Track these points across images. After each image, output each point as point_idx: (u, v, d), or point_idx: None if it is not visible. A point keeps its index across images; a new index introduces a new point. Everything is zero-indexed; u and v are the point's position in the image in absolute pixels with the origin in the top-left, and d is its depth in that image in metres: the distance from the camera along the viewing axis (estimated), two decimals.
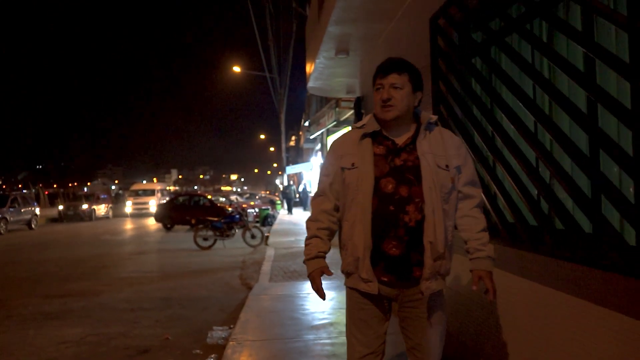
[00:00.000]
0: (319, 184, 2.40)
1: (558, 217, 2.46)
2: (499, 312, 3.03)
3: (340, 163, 2.26)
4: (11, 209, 20.66)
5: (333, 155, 2.34)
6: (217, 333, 5.24)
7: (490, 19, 3.17)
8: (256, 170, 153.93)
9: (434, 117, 2.27)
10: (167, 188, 38.57)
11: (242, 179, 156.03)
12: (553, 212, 2.54)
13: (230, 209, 19.74)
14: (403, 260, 2.14)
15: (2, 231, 19.44)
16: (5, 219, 19.93)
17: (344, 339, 4.48)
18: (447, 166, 2.17)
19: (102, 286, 8.34)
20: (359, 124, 2.32)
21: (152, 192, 35.41)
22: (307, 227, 2.38)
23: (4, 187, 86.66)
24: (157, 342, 5.16)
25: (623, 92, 2.19)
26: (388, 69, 2.18)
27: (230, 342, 4.54)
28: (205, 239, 13.36)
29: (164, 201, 26.87)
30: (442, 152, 2.19)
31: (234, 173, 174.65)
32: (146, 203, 33.46)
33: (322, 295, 2.30)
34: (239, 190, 75.81)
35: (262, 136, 71.49)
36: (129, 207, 33.71)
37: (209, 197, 23.99)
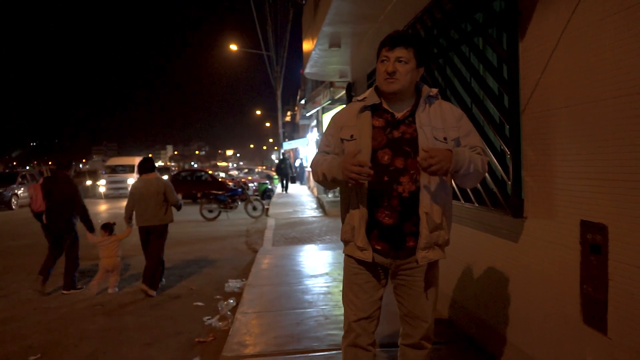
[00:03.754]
0: (320, 150, 2.43)
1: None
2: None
3: (340, 134, 2.31)
4: (20, 186, 21.60)
5: (334, 127, 2.37)
6: (233, 283, 6.35)
7: (437, 39, 4.15)
8: (252, 146, 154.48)
9: (434, 90, 2.29)
10: None
11: (238, 155, 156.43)
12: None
13: (231, 183, 20.80)
14: (396, 229, 2.19)
15: (14, 206, 20.42)
16: (16, 194, 20.89)
17: (337, 284, 5.61)
18: (445, 139, 2.18)
19: (125, 251, 9.43)
20: (360, 96, 2.35)
21: (131, 169, 27.67)
22: (313, 168, 2.33)
23: None
24: (184, 291, 6.27)
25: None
26: (395, 42, 2.16)
27: (246, 287, 5.67)
28: (210, 211, 14.43)
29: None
30: (440, 125, 2.20)
31: (229, 149, 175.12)
32: (123, 181, 26.25)
33: (368, 171, 2.04)
34: (234, 165, 76.88)
35: (258, 112, 71.58)
36: (102, 186, 26.49)
37: (210, 172, 25.00)
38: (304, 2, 10.95)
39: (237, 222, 13.66)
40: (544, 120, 2.62)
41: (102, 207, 21.42)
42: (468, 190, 3.54)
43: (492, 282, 3.31)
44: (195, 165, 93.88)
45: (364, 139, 2.21)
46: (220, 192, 15.05)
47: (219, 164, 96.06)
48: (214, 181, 21.82)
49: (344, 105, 2.96)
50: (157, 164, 35.41)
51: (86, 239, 6.61)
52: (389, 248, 2.22)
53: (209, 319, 4.98)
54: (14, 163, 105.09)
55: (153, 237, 6.28)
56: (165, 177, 28.90)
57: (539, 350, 2.75)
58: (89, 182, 28.70)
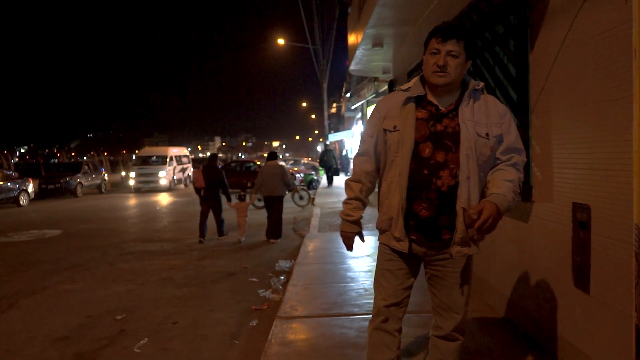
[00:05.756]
0: (362, 143, 2.42)
1: None
2: None
3: (383, 125, 2.28)
4: (85, 175, 23.16)
5: (377, 116, 2.35)
6: (283, 263, 7.05)
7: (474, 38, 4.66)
8: (297, 137, 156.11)
9: (481, 84, 2.25)
10: (184, 154, 28.71)
11: (284, 146, 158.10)
12: None
13: None
14: (432, 222, 2.19)
15: (78, 194, 21.97)
16: (81, 183, 22.45)
17: None
18: (487, 134, 2.16)
19: (184, 235, 10.34)
20: (405, 86, 2.32)
21: (162, 160, 25.17)
22: (349, 187, 2.43)
23: (58, 155, 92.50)
24: (239, 269, 7.01)
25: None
26: (448, 34, 2.12)
27: (295, 266, 6.35)
28: (260, 200, 15.22)
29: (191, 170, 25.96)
30: (484, 120, 2.18)
31: (275, 140, 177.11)
32: (154, 174, 24.17)
33: (351, 249, 2.53)
34: (280, 157, 78.11)
35: (304, 104, 72.26)
36: (132, 179, 24.36)
37: (258, 163, 25.91)
38: (349, 1, 11.50)
39: (285, 210, 14.30)
40: (546, 119, 3.13)
41: (132, 201, 19.78)
42: None
43: (506, 256, 3.83)
44: (243, 157, 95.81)
45: (407, 131, 2.19)
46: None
47: (264, 155, 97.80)
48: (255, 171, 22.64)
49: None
50: (206, 155, 35.56)
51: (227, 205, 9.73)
52: (423, 238, 2.24)
53: (263, 291, 5.68)
54: (73, 153, 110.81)
55: (274, 204, 9.13)
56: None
57: (545, 312, 3.27)
58: (123, 174, 27.90)
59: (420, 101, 2.25)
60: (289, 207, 15.07)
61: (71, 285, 6.31)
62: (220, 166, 28.56)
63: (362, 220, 2.48)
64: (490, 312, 4.11)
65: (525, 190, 3.40)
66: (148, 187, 24.18)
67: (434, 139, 2.18)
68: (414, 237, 2.25)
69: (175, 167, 25.77)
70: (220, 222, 9.76)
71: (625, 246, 2.36)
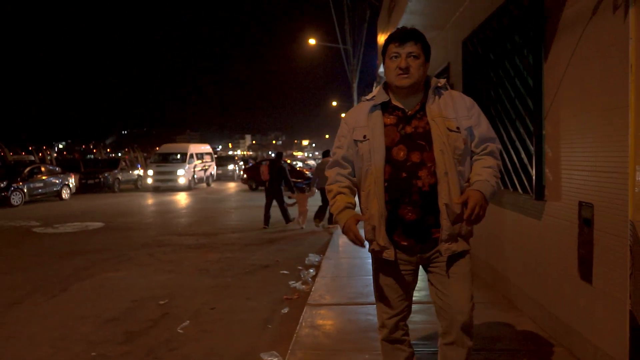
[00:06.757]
0: (332, 155, 2.45)
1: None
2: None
3: (353, 136, 2.30)
4: (122, 170, 24.02)
5: (346, 128, 2.37)
6: (312, 257, 7.41)
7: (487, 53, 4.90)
8: (327, 136, 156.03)
9: (442, 81, 2.30)
10: (206, 151, 27.28)
11: (314, 145, 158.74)
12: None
13: (308, 172, 22.03)
14: (420, 224, 2.18)
15: (116, 189, 22.83)
16: (118, 179, 23.31)
17: None
18: (457, 128, 2.18)
19: (216, 230, 10.81)
20: (369, 96, 2.36)
21: (182, 158, 23.85)
22: (328, 191, 2.40)
23: (94, 150, 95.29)
24: (271, 262, 7.40)
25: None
26: (405, 37, 2.18)
27: (324, 260, 6.71)
28: (290, 197, 15.66)
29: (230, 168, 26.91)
30: (452, 115, 2.20)
31: (305, 138, 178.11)
32: (173, 172, 22.87)
33: (361, 243, 2.21)
34: (309, 155, 78.66)
35: (334, 103, 72.49)
36: (149, 177, 23.22)
37: (288, 161, 26.33)
38: (378, 4, 11.78)
39: (314, 208, 14.73)
40: (556, 125, 3.40)
41: (165, 197, 19.75)
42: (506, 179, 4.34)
43: (522, 252, 4.09)
44: (273, 155, 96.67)
45: (377, 139, 2.21)
46: (299, 180, 16.21)
47: (294, 153, 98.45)
48: (293, 170, 23.05)
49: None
50: (235, 153, 36.49)
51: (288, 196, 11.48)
52: (414, 243, 2.23)
53: (293, 283, 6.04)
54: (108, 150, 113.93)
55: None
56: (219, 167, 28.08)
57: (551, 301, 3.53)
58: (141, 172, 25.91)
59: (386, 107, 2.29)
60: (319, 204, 15.44)
61: (115, 273, 6.81)
62: (251, 164, 28.74)
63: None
64: (507, 305, 4.37)
65: (539, 190, 3.66)
66: (166, 185, 22.87)
67: (406, 141, 2.19)
68: (405, 244, 2.24)
69: (195, 165, 24.40)
70: (284, 210, 11.18)
71: (622, 241, 2.62)
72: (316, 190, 11.21)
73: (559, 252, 3.40)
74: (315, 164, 35.20)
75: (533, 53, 3.71)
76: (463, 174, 2.22)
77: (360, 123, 2.30)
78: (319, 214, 11.01)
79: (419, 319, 3.99)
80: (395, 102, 2.28)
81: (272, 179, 11.04)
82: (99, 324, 4.74)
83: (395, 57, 2.20)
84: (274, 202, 11.20)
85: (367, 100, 2.35)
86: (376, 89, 2.35)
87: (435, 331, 3.59)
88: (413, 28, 2.23)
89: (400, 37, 2.19)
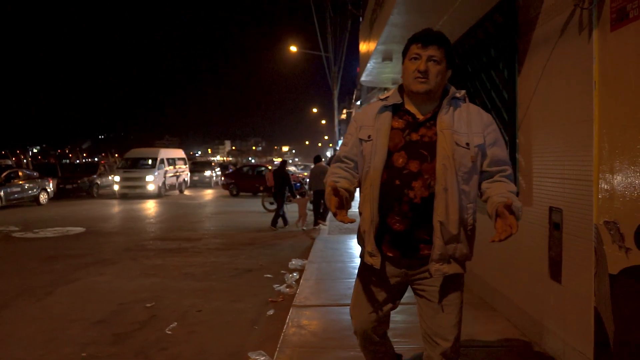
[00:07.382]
0: (338, 151, 2.35)
1: None
2: None
3: (359, 134, 2.21)
4: (101, 175, 23.81)
5: (354, 125, 2.28)
6: (295, 261, 7.56)
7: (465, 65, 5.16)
8: (307, 142, 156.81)
9: (462, 92, 2.17)
10: (179, 156, 25.86)
11: (294, 151, 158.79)
12: None
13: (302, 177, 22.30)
14: (407, 236, 2.07)
15: (95, 195, 22.63)
16: (97, 184, 23.12)
17: None
18: (467, 144, 2.04)
19: (200, 235, 10.90)
20: (383, 95, 2.25)
21: (152, 163, 22.41)
22: (325, 183, 2.18)
23: (70, 155, 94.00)
24: (255, 266, 7.54)
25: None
26: (429, 40, 2.06)
27: (307, 264, 6.87)
28: (272, 203, 15.75)
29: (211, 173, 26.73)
30: (464, 129, 2.07)
31: (285, 145, 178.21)
32: (141, 179, 21.61)
33: (343, 217, 1.96)
34: (290, 161, 78.82)
35: (314, 110, 72.88)
36: (116, 183, 21.93)
37: (270, 167, 26.48)
38: (359, 14, 12.04)
39: (296, 214, 14.91)
40: (529, 136, 3.64)
41: (146, 203, 20.00)
42: None
43: (498, 255, 4.32)
44: (253, 161, 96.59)
45: (380, 141, 2.11)
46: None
47: (274, 159, 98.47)
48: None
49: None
50: (215, 158, 35.95)
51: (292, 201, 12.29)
52: (400, 255, 2.12)
53: (277, 286, 6.19)
54: (85, 154, 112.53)
55: (322, 197, 10.42)
56: (208, 172, 28.93)
57: (524, 300, 3.76)
58: (110, 178, 24.16)
59: (397, 110, 2.17)
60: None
61: (100, 277, 6.86)
62: (231, 170, 28.65)
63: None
64: (483, 304, 4.60)
65: None
66: (134, 192, 21.71)
67: (408, 149, 2.08)
68: (391, 255, 2.13)
69: (166, 170, 23.02)
70: (279, 214, 11.88)
71: (588, 243, 2.86)
72: (270, 202, 12.48)
73: (531, 254, 3.63)
74: (295, 170, 35.47)
75: (507, 67, 3.95)
76: (468, 194, 2.07)
77: (367, 122, 2.21)
78: (322, 215, 11.78)
79: (400, 319, 4.18)
80: (407, 106, 2.17)
81: (277, 185, 12.03)
82: (87, 326, 4.82)
83: (415, 58, 2.08)
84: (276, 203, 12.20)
85: (381, 100, 2.24)
86: (392, 90, 2.25)
87: (416, 329, 3.80)
88: (439, 31, 2.10)
89: (423, 38, 2.07)
